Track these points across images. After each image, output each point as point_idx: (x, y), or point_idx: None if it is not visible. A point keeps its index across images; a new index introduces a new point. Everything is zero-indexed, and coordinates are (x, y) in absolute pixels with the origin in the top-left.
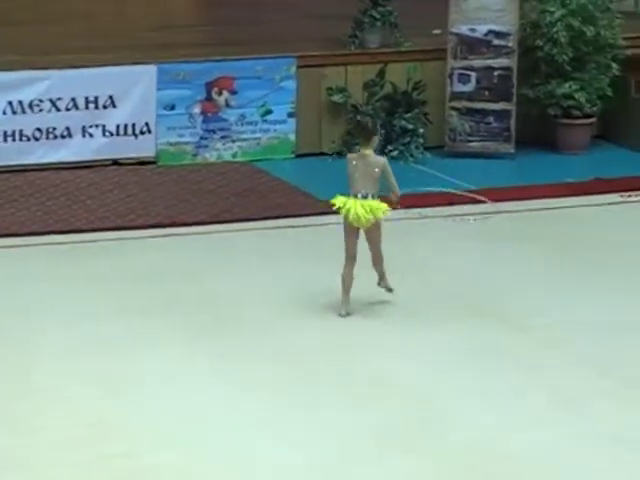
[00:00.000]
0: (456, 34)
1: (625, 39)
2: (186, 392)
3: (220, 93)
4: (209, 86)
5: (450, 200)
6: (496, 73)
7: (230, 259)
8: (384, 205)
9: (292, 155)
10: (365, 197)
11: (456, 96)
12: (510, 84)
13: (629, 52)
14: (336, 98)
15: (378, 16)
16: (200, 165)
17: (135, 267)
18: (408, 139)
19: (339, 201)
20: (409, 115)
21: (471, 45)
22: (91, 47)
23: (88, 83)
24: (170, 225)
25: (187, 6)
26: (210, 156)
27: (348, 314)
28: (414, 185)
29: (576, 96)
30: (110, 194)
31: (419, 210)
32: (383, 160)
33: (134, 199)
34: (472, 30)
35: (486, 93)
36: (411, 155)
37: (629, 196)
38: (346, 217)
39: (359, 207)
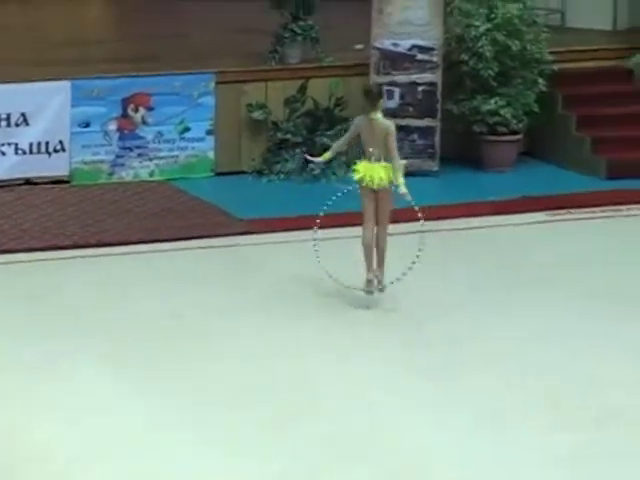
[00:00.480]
0: (379, 49)
1: (552, 53)
2: (112, 413)
3: (136, 110)
4: (125, 102)
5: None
6: (420, 89)
7: (148, 280)
8: (391, 171)
9: (211, 173)
10: (378, 160)
11: None
12: (435, 100)
13: (556, 67)
14: (256, 115)
15: (299, 31)
16: (116, 184)
17: (50, 288)
18: None
19: (359, 170)
20: (331, 132)
21: (394, 60)
22: (2, 62)
23: (0, 100)
24: (85, 246)
25: (103, 20)
26: (126, 175)
27: (381, 288)
28: (339, 204)
29: (502, 112)
30: (23, 214)
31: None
32: (389, 125)
33: (48, 219)
34: (395, 45)
35: (410, 109)
36: (334, 173)
37: (555, 214)
38: (361, 180)
39: (373, 171)
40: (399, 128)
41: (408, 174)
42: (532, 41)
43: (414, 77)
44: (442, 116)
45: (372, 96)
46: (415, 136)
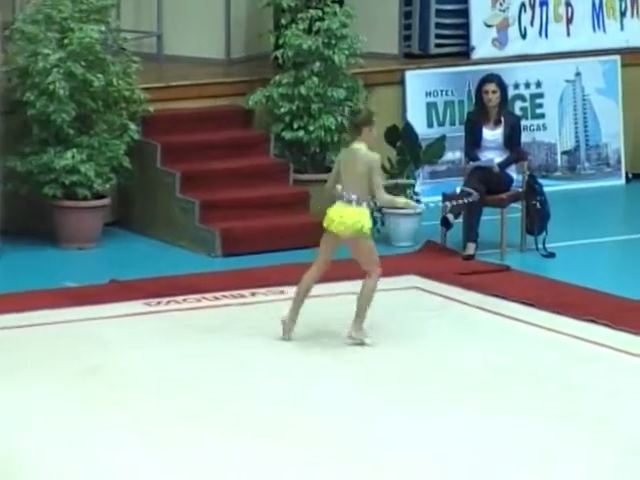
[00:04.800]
0: None
1: (146, 90)
2: None
3: None
4: None
5: None
6: None
7: None
8: (365, 218)
9: None
10: (349, 202)
11: None
12: None
13: (152, 108)
14: None
15: None
16: None
17: None
18: None
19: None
20: None
21: None
22: None
23: None
24: None
25: None
26: None
27: (353, 342)
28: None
29: (82, 169)
30: None
31: None
32: (374, 157)
33: None
34: None
35: None
36: None
37: (158, 303)
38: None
39: (335, 213)
40: None
41: None
42: (120, 74)
43: None
44: (1, 176)
45: (354, 122)
46: None
